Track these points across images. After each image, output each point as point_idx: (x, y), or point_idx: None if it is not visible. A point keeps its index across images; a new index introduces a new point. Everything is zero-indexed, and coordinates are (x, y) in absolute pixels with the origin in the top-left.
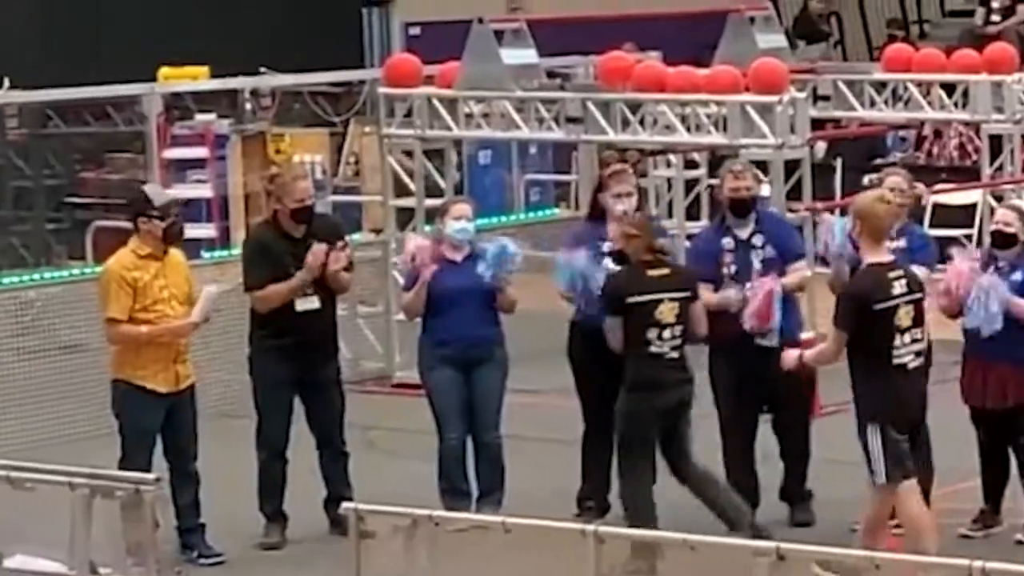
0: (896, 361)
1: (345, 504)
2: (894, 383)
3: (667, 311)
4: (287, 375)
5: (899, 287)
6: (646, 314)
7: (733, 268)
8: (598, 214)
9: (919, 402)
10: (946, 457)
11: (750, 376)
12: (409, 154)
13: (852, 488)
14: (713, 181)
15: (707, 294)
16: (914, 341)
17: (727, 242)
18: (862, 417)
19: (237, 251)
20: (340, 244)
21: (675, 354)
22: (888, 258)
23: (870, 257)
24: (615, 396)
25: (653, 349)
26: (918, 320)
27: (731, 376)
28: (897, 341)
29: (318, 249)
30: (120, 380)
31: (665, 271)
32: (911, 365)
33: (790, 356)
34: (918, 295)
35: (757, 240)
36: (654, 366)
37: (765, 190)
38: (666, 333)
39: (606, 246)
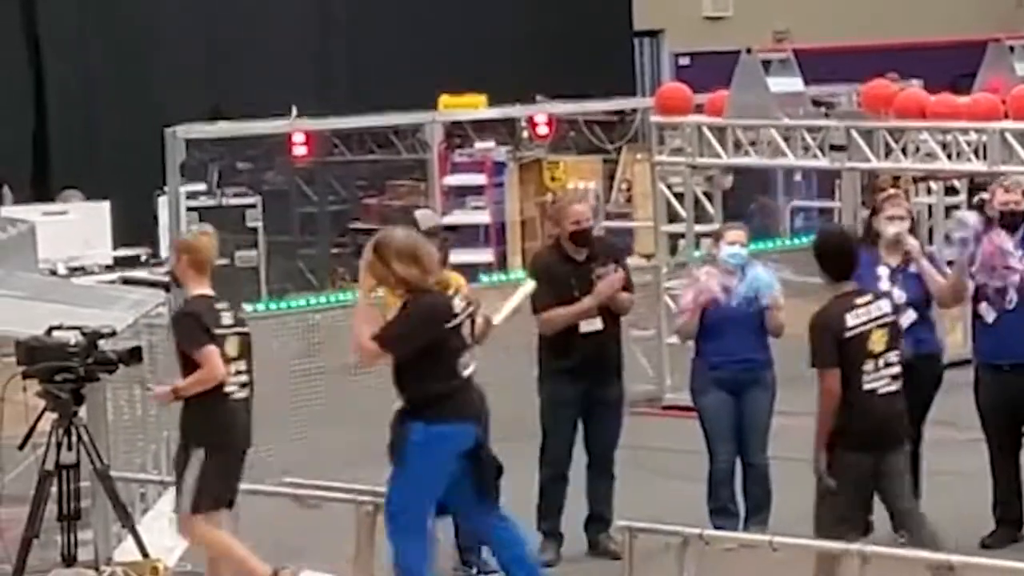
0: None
1: (620, 522)
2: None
3: None
4: (572, 396)
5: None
6: None
7: None
8: (872, 238)
9: None
10: None
11: (1014, 396)
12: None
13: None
14: (984, 195)
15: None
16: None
17: None
18: None
19: (514, 275)
20: (613, 266)
21: None
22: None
23: (195, 289)
24: None
25: None
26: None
27: (996, 396)
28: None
29: (614, 278)
30: None
31: None
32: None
33: None
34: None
35: (1017, 254)
36: None
37: None
38: None
39: (880, 270)
